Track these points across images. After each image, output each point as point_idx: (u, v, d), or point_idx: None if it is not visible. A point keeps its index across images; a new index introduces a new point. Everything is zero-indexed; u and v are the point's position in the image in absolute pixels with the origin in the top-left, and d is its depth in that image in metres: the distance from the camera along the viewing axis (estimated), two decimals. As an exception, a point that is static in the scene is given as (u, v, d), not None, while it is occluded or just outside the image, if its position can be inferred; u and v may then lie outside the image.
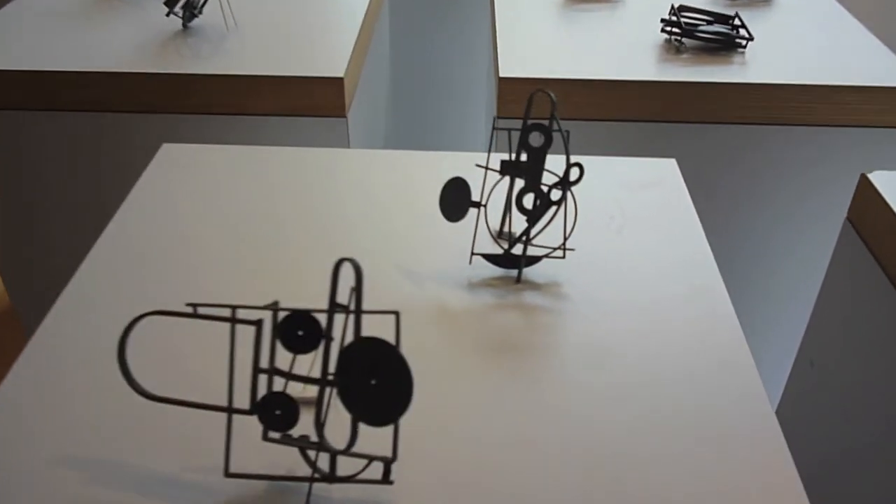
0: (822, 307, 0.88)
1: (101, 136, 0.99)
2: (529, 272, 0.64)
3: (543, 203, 0.61)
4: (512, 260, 0.64)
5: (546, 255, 0.63)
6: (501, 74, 0.96)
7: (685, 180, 0.78)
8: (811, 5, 1.19)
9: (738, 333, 0.59)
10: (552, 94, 0.60)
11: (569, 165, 0.61)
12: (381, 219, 0.71)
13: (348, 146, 0.99)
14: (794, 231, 1.05)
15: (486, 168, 0.62)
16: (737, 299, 1.03)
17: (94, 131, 0.99)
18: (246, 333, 0.47)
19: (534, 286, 0.63)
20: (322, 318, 0.45)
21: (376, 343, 0.43)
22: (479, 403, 0.53)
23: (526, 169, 0.61)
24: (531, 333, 0.59)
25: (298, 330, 0.46)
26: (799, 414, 0.93)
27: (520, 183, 0.62)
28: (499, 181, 0.62)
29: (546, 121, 0.60)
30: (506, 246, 0.63)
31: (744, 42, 1.02)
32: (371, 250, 0.67)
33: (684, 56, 1.01)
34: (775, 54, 1.02)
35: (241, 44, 1.02)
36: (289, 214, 0.71)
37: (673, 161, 0.80)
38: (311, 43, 1.02)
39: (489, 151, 0.62)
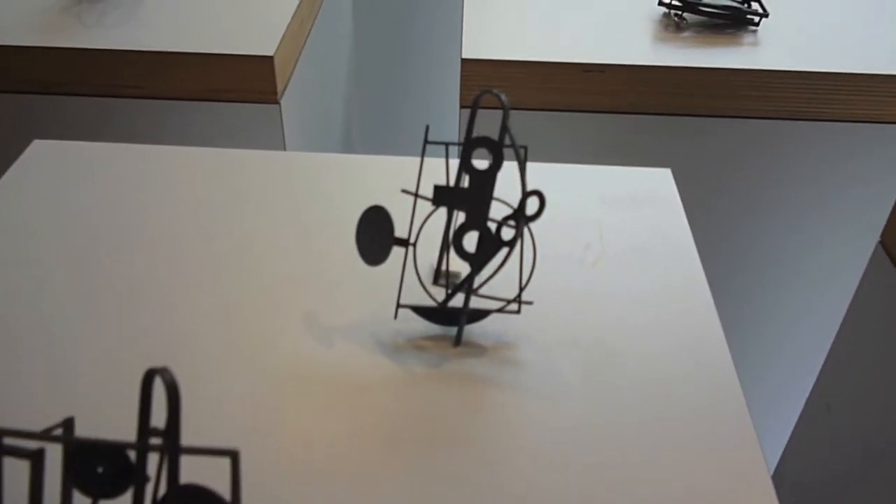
0: (843, 343, 0.73)
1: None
2: (473, 329, 0.49)
3: (491, 244, 0.46)
4: (449, 315, 0.48)
5: (494, 311, 0.48)
6: (465, 55, 0.79)
7: (681, 187, 0.63)
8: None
9: (756, 453, 0.44)
10: (503, 97, 0.44)
11: (525, 195, 0.45)
12: (292, 248, 0.55)
13: (282, 138, 0.83)
14: (812, 251, 0.89)
15: (416, 196, 0.46)
16: (738, 328, 0.88)
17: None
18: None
19: (477, 350, 0.48)
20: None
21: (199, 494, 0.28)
22: (389, 534, 0.39)
23: (467, 199, 0.45)
24: (470, 421, 0.44)
25: (98, 466, 0.31)
26: (809, 467, 0.78)
27: (461, 216, 0.46)
28: (432, 212, 0.47)
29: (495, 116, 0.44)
30: (442, 296, 0.48)
31: (756, 18, 0.85)
32: (267, 292, 0.51)
33: (685, 34, 0.85)
34: (793, 34, 0.86)
35: (157, 12, 0.86)
36: (173, 237, 0.56)
37: (667, 172, 0.64)
38: (240, 15, 0.86)
39: (420, 173, 0.46)
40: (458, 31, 0.86)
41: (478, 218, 0.45)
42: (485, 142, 0.44)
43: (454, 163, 0.46)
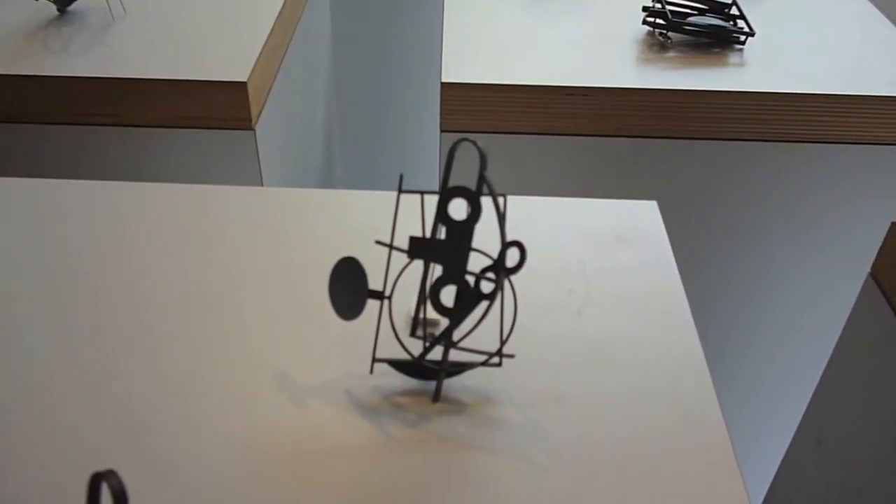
0: (833, 375, 0.71)
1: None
2: (452, 383, 0.47)
3: (469, 297, 0.44)
4: (427, 370, 0.46)
5: (475, 366, 0.46)
6: (444, 79, 0.77)
7: (665, 211, 0.61)
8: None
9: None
10: (479, 146, 0.42)
11: (505, 246, 0.43)
12: (264, 298, 0.53)
13: (258, 164, 0.81)
14: (798, 276, 0.88)
15: (391, 247, 0.44)
16: (724, 354, 0.86)
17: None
18: None
19: (458, 407, 0.46)
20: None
21: None
22: None
23: (444, 251, 0.43)
24: (449, 489, 0.42)
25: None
26: (798, 498, 0.77)
27: (438, 267, 0.44)
28: (408, 265, 0.44)
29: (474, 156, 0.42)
30: (419, 349, 0.46)
31: (742, 38, 0.84)
32: (237, 348, 0.49)
33: (670, 54, 0.83)
34: (780, 53, 0.84)
35: (125, 37, 0.83)
36: (139, 285, 0.53)
37: (653, 204, 0.62)
38: (212, 38, 0.83)
39: (394, 221, 0.44)
40: (438, 53, 0.84)
41: (455, 272, 0.43)
42: (462, 191, 0.42)
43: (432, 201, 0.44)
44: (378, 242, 0.44)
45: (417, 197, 0.45)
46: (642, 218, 0.61)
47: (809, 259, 0.86)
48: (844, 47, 0.86)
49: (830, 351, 0.70)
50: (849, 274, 0.85)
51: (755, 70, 0.81)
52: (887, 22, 0.93)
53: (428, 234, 0.43)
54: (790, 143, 0.79)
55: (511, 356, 0.46)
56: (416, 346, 0.46)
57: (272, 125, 0.85)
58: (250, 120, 0.78)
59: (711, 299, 0.89)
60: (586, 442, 0.44)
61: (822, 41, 0.87)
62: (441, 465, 0.43)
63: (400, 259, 0.44)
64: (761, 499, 0.82)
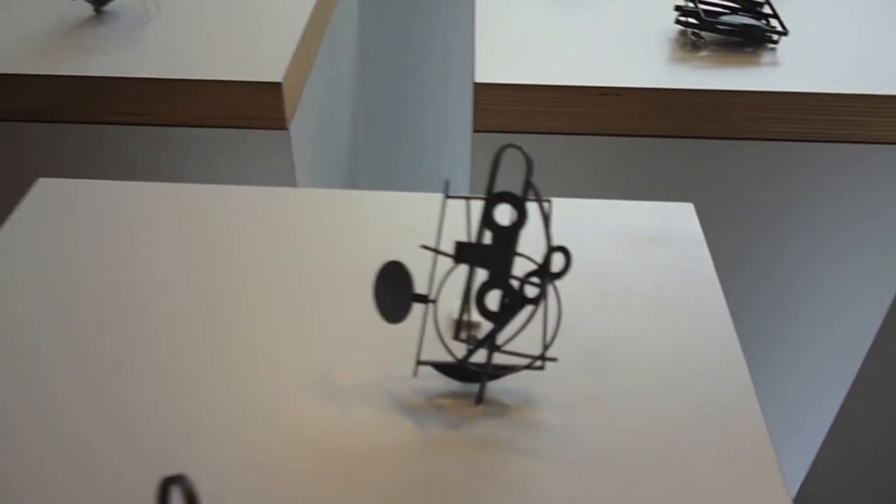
0: (867, 375, 0.71)
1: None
2: (494, 386, 0.47)
3: (515, 302, 0.44)
4: (470, 373, 0.47)
5: (518, 369, 0.46)
6: (478, 79, 0.77)
7: (699, 211, 0.61)
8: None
9: None
10: (525, 152, 0.42)
11: (550, 251, 0.43)
12: (305, 299, 0.54)
13: (292, 164, 0.81)
14: (833, 275, 0.87)
15: (436, 251, 0.45)
16: (758, 359, 0.86)
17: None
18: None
19: (499, 409, 0.46)
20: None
21: None
22: None
23: (490, 256, 0.44)
24: (489, 491, 0.42)
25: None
26: (831, 495, 0.77)
27: (484, 272, 0.45)
28: (453, 269, 0.45)
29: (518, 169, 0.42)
30: (462, 351, 0.46)
31: (775, 36, 0.83)
32: (280, 348, 0.50)
33: (702, 54, 0.83)
34: (814, 52, 0.84)
35: (161, 37, 0.84)
36: (182, 286, 0.54)
37: (689, 206, 0.62)
38: (246, 38, 0.84)
39: (440, 228, 0.44)
40: (464, 52, 0.84)
41: (501, 277, 0.43)
42: (508, 197, 0.43)
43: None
44: (423, 247, 0.45)
45: (452, 199, 0.46)
46: (678, 220, 0.61)
47: (845, 260, 0.86)
48: (879, 46, 0.85)
49: (865, 351, 0.70)
50: (884, 275, 0.85)
51: (789, 69, 0.81)
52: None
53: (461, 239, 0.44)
54: (826, 144, 0.79)
55: (554, 359, 0.46)
56: (458, 349, 0.47)
57: (305, 125, 0.86)
58: (285, 119, 0.79)
59: (746, 300, 0.89)
60: (625, 443, 0.44)
61: (855, 39, 0.86)
62: (483, 467, 0.43)
63: (438, 261, 0.44)
64: (792, 497, 0.82)
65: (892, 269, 0.82)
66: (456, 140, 1.55)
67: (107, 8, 0.89)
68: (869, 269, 0.86)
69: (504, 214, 0.43)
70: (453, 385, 0.48)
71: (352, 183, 1.26)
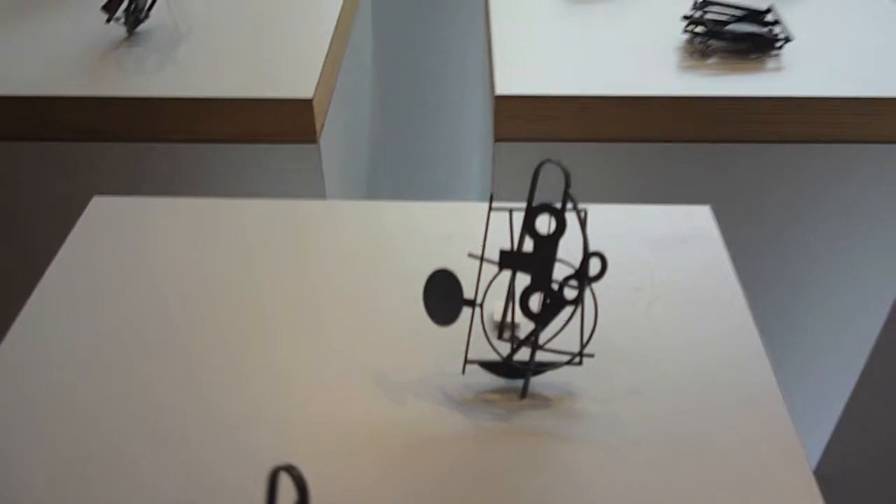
0: (877, 365, 0.75)
1: (23, 169, 0.85)
2: (537, 381, 0.51)
3: (555, 303, 0.48)
4: (515, 369, 0.51)
5: (559, 366, 0.51)
6: (498, 92, 0.82)
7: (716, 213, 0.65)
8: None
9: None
10: (563, 166, 0.46)
11: (587, 256, 0.47)
12: (353, 304, 0.58)
13: (322, 176, 0.85)
14: (841, 272, 0.92)
15: (482, 259, 0.49)
16: (772, 351, 0.90)
17: (19, 163, 0.85)
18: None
19: (543, 402, 0.50)
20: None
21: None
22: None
23: (533, 263, 0.48)
24: (538, 476, 0.46)
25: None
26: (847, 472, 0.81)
27: (524, 277, 0.49)
28: (497, 275, 0.49)
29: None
30: (507, 350, 0.50)
31: (780, 43, 0.87)
32: (335, 349, 0.54)
33: (711, 61, 0.87)
34: (818, 56, 0.88)
35: (194, 57, 0.88)
36: (236, 295, 0.58)
37: (706, 209, 0.66)
38: (274, 56, 0.88)
39: (485, 238, 0.49)
40: (480, 57, 0.88)
41: (544, 281, 0.48)
42: (548, 208, 0.47)
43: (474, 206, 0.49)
44: (471, 255, 0.49)
45: (475, 208, 0.50)
46: (698, 221, 0.65)
47: (857, 253, 0.90)
48: (880, 49, 0.89)
49: (874, 340, 0.74)
50: (891, 268, 0.89)
51: (794, 74, 0.85)
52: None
53: (496, 247, 0.48)
54: (832, 144, 0.83)
55: (591, 356, 0.50)
56: (503, 348, 0.51)
57: (332, 138, 0.90)
58: (315, 134, 0.83)
59: (762, 293, 0.93)
60: (660, 429, 0.49)
61: (857, 43, 0.90)
62: (530, 454, 0.47)
63: (471, 265, 0.48)
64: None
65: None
66: (471, 146, 1.59)
67: (139, 29, 0.93)
68: (881, 263, 0.90)
69: (543, 223, 0.47)
70: (499, 381, 0.52)
71: (374, 191, 1.30)
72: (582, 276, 0.48)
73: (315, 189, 0.86)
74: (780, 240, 0.89)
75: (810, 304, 0.94)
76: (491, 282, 0.49)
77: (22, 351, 0.54)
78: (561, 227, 0.47)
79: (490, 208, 0.48)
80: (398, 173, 1.62)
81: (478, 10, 1.39)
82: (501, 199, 0.89)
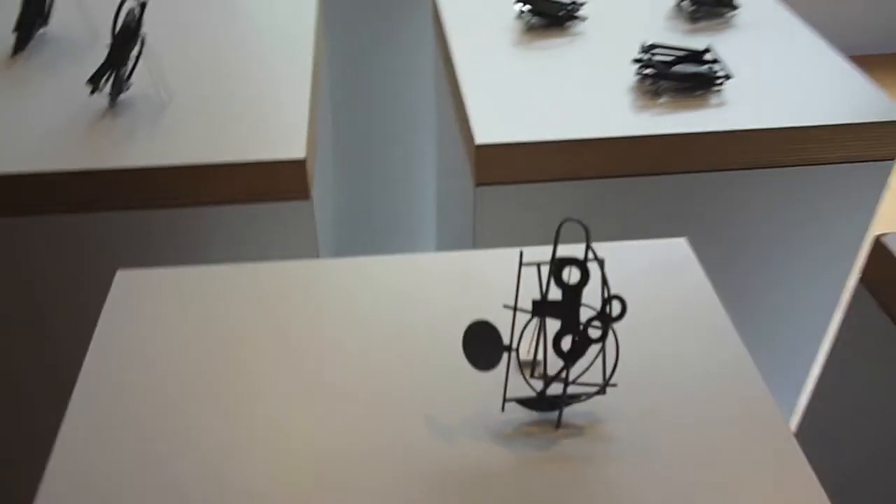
0: (828, 374, 0.85)
1: (31, 242, 0.87)
2: (567, 411, 0.58)
3: (583, 343, 0.55)
4: (549, 403, 0.57)
5: (589, 396, 0.57)
6: (478, 141, 0.88)
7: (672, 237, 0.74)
8: (768, 21, 1.15)
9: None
10: (584, 224, 0.53)
11: (608, 299, 0.54)
12: (388, 357, 0.63)
13: (315, 231, 0.90)
14: (787, 286, 1.02)
15: (515, 309, 0.55)
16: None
17: (25, 237, 0.87)
18: None
19: (576, 430, 0.57)
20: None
21: None
22: None
23: (562, 309, 0.54)
24: (574, 496, 0.53)
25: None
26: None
27: (552, 322, 0.55)
28: (529, 321, 0.55)
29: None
30: (540, 386, 0.57)
31: (720, 80, 0.97)
32: (381, 397, 0.59)
33: (662, 100, 0.96)
34: (754, 91, 0.98)
35: (180, 122, 0.91)
36: (273, 355, 0.63)
37: (682, 241, 0.74)
38: (259, 116, 0.92)
39: (517, 290, 0.55)
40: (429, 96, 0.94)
41: (573, 325, 0.54)
42: (572, 261, 0.54)
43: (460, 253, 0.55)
44: (506, 306, 0.55)
45: (479, 256, 0.56)
46: (675, 254, 0.73)
47: (801, 263, 1.01)
48: (807, 80, 1.00)
49: (821, 347, 0.84)
50: (837, 266, 1.00)
51: (736, 108, 0.94)
52: (833, 52, 1.08)
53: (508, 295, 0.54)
54: (774, 168, 0.93)
55: (614, 385, 0.57)
56: (535, 385, 0.57)
57: (319, 193, 0.95)
58: (308, 190, 0.88)
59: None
60: (679, 442, 0.56)
61: (787, 76, 1.01)
62: (573, 476, 0.54)
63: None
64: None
65: (843, 263, 0.98)
66: (424, 196, 1.65)
67: (120, 98, 0.95)
68: (823, 265, 1.01)
69: (571, 276, 0.54)
70: (533, 415, 0.58)
71: (352, 239, 1.35)
72: (605, 318, 0.55)
73: (308, 244, 0.91)
74: (742, 256, 0.99)
75: (768, 307, 1.05)
76: (524, 328, 0.55)
77: (82, 436, 0.57)
78: (585, 276, 0.54)
79: (520, 264, 0.55)
80: (379, 222, 1.68)
81: (426, 47, 1.46)
82: (485, 237, 0.96)
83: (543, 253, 0.56)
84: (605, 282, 0.54)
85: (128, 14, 0.91)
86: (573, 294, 0.54)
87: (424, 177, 1.64)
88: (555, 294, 0.54)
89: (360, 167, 1.61)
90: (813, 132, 0.92)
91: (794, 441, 0.56)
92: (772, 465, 0.55)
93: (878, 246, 0.74)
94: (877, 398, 0.77)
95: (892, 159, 0.96)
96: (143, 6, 0.90)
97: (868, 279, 0.76)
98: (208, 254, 0.90)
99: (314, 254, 0.92)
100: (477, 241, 0.95)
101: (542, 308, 0.54)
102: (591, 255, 0.53)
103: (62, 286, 0.89)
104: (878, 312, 0.74)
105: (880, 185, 0.97)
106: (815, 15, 2.01)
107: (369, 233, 1.67)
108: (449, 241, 1.33)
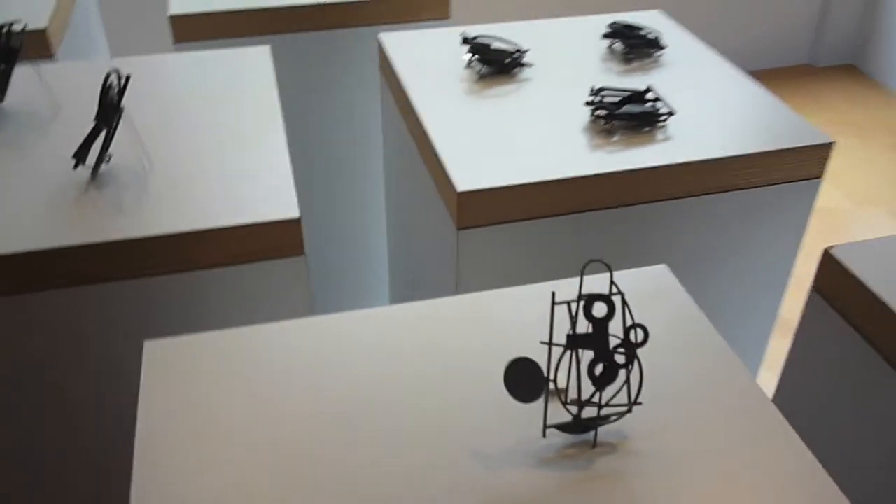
0: (791, 380, 0.95)
1: (26, 318, 0.88)
2: (599, 433, 0.65)
3: (613, 368, 0.62)
4: (585, 425, 0.64)
5: (619, 416, 0.64)
6: (460, 189, 0.95)
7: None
8: (692, 58, 1.27)
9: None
10: (608, 264, 0.60)
11: (630, 327, 0.61)
12: (430, 400, 0.68)
13: (310, 286, 0.94)
14: (730, 301, 1.13)
15: (550, 344, 0.61)
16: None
17: (23, 315, 0.87)
18: None
19: (610, 447, 0.64)
20: None
21: None
22: None
23: (593, 341, 0.61)
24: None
25: None
26: None
27: (584, 352, 0.62)
28: (563, 353, 0.62)
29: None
30: (575, 411, 0.63)
31: (664, 117, 1.07)
32: (427, 434, 0.64)
33: (615, 138, 1.05)
34: (693, 123, 1.09)
35: (167, 189, 0.94)
36: (319, 407, 0.67)
37: (664, 268, 0.83)
38: (246, 179, 0.96)
39: (551, 327, 0.61)
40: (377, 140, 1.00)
41: (604, 354, 0.61)
42: (599, 297, 0.60)
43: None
44: (542, 342, 0.61)
45: (489, 297, 0.62)
46: (660, 280, 0.81)
47: (735, 280, 1.12)
48: (733, 110, 1.12)
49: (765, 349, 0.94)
50: (771, 288, 1.12)
51: (679, 142, 1.05)
52: (750, 81, 1.20)
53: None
54: (717, 194, 1.04)
55: (640, 404, 0.64)
56: (565, 410, 0.63)
57: (308, 248, 0.99)
58: (302, 247, 0.92)
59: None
60: (697, 454, 0.63)
61: (714, 107, 1.13)
62: (616, 490, 0.60)
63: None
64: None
65: (781, 273, 1.10)
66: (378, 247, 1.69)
67: (101, 169, 0.97)
68: (763, 274, 1.12)
69: (599, 310, 0.60)
70: (569, 438, 0.64)
71: (328, 295, 1.38)
72: (629, 345, 0.62)
73: (305, 297, 0.95)
74: (695, 274, 1.09)
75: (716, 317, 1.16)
76: (559, 360, 0.62)
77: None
78: (611, 310, 0.61)
79: (553, 303, 0.61)
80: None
81: (372, 92, 1.52)
82: (468, 277, 1.02)
83: (542, 290, 0.62)
84: (627, 312, 0.61)
85: (109, 86, 0.93)
86: (602, 326, 0.61)
87: (373, 225, 1.68)
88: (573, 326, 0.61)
89: (308, 218, 1.65)
90: (745, 160, 1.03)
91: (800, 440, 0.65)
92: (777, 464, 0.63)
93: (828, 257, 0.84)
94: (840, 396, 0.87)
95: (816, 177, 1.08)
96: (127, 78, 0.93)
97: (820, 286, 0.86)
98: (209, 315, 0.93)
99: (310, 306, 0.96)
100: (460, 282, 1.01)
101: (574, 341, 0.61)
102: (613, 290, 0.61)
103: (63, 359, 0.90)
104: (832, 314, 0.84)
105: (809, 202, 1.10)
106: (711, 37, 2.20)
107: (324, 284, 1.70)
108: (408, 285, 1.38)
